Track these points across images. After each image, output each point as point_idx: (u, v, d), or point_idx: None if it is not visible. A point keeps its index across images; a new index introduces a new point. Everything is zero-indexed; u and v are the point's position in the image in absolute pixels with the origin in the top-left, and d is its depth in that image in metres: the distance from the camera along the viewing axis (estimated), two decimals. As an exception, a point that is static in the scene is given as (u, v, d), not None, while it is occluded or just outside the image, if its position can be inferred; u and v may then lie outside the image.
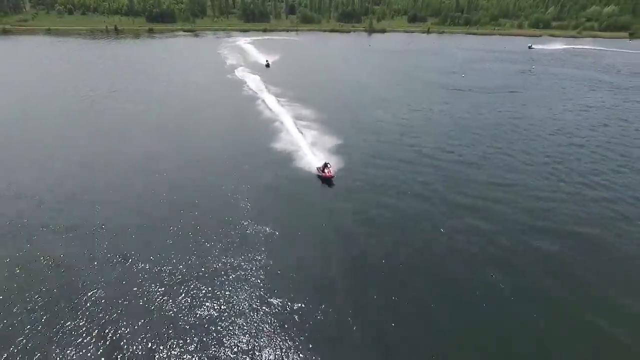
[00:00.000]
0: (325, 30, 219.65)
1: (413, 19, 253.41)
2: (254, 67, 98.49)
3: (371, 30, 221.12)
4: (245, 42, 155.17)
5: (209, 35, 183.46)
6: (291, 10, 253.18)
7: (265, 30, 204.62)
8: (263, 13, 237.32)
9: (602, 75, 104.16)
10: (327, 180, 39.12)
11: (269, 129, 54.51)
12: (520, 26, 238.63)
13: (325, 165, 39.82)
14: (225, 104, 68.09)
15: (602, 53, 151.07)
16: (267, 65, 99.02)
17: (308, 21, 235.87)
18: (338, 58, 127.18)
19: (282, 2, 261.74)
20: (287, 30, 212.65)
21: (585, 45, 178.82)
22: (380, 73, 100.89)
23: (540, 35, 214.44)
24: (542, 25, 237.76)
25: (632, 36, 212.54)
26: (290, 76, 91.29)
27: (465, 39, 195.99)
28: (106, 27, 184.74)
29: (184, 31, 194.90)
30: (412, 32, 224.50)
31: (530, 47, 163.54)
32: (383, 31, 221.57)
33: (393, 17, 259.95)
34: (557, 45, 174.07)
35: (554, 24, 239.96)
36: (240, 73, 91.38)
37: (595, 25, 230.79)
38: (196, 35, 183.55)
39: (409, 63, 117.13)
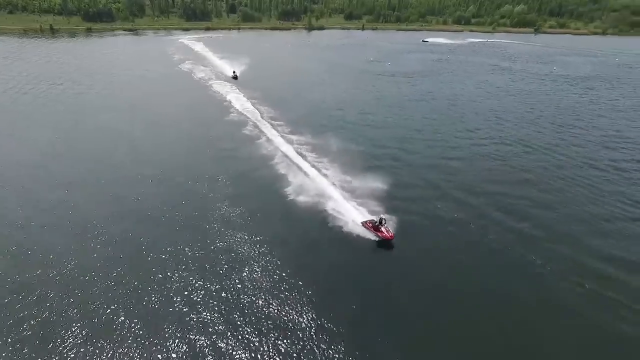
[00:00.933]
0: (266, 28, 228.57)
1: (349, 17, 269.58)
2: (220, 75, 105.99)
3: (310, 28, 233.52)
4: (191, 40, 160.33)
5: (153, 35, 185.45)
6: (232, 9, 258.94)
7: (207, 29, 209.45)
8: (204, 12, 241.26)
9: (502, 62, 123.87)
10: (383, 242, 30.29)
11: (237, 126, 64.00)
12: (444, 22, 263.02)
13: (381, 221, 30.78)
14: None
15: (508, 45, 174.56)
16: (235, 77, 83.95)
17: (249, 20, 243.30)
18: (283, 51, 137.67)
19: (223, 1, 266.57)
20: (230, 29, 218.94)
21: (493, 39, 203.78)
22: (320, 63, 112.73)
23: (462, 31, 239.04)
24: (463, 22, 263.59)
25: (536, 31, 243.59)
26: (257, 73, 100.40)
27: (395, 35, 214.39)
28: (40, 26, 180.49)
29: (124, 30, 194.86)
30: (349, 28, 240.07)
31: (423, 41, 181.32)
32: (321, 28, 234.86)
33: (331, 15, 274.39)
34: (443, 39, 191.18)
35: (473, 20, 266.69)
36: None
37: (508, 22, 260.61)
38: (137, 34, 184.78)
39: (345, 54, 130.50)
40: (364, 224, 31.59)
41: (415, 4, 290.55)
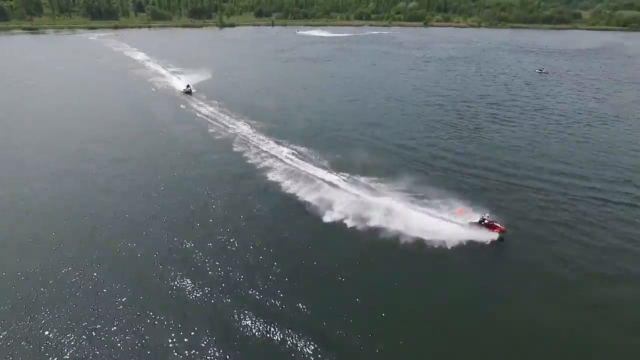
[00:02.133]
0: (178, 26, 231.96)
1: (259, 14, 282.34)
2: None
3: (222, 25, 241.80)
4: (104, 38, 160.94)
5: (55, 34, 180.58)
6: (139, 7, 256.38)
7: (116, 27, 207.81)
8: (110, 11, 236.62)
9: (391, 48, 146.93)
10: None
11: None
12: (347, 18, 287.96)
13: (483, 220, 30.52)
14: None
15: (398, 36, 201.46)
16: (189, 92, 71.82)
17: (159, 18, 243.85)
18: (201, 45, 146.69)
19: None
20: (140, 27, 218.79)
21: (385, 30, 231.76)
22: (235, 54, 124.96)
23: (363, 25, 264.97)
24: (364, 17, 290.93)
25: (425, 24, 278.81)
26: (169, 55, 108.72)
27: (303, 29, 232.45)
28: None
29: (23, 29, 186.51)
30: (259, 25, 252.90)
31: (296, 32, 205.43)
32: (233, 25, 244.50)
33: (241, 13, 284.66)
34: (318, 32, 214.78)
35: (373, 16, 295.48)
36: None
37: (402, 17, 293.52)
38: (38, 33, 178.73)
39: (258, 46, 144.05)
40: (474, 224, 30.39)
41: (321, 1, 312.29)
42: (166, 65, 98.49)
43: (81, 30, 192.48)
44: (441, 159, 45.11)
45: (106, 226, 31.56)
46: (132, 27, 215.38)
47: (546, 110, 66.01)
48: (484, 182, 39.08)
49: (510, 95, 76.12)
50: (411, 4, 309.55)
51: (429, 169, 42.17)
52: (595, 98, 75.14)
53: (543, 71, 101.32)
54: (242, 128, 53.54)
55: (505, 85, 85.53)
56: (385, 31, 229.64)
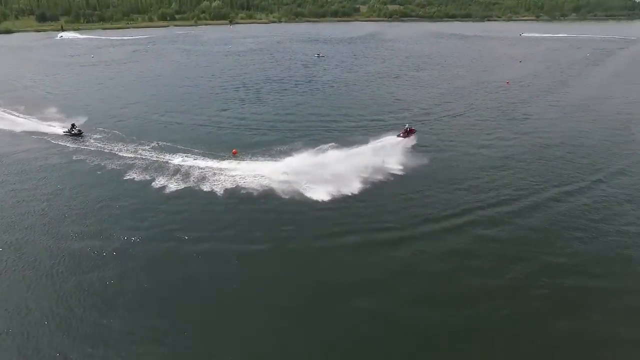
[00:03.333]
0: None
1: (42, 19, 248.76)
2: None
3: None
4: None
5: None
6: None
7: None
8: None
9: (195, 46, 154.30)
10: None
11: None
12: (150, 20, 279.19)
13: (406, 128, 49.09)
14: None
15: (204, 34, 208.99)
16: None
17: None
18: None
19: None
20: None
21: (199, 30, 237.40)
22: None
23: (168, 26, 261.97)
24: (169, 18, 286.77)
25: (231, 22, 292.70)
26: None
27: (102, 33, 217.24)
28: None
29: None
30: (46, 30, 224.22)
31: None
32: (9, 32, 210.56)
33: (17, 17, 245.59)
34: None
35: (177, 16, 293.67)
36: None
37: (207, 16, 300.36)
38: None
39: (48, 53, 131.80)
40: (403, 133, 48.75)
41: (117, 2, 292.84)
42: None
43: None
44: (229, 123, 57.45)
45: None
46: None
47: (314, 81, 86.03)
48: (262, 132, 52.53)
49: (290, 74, 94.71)
50: (215, 3, 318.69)
51: (226, 133, 53.36)
52: (349, 71, 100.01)
53: (320, 55, 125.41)
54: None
55: (288, 67, 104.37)
56: (192, 31, 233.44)
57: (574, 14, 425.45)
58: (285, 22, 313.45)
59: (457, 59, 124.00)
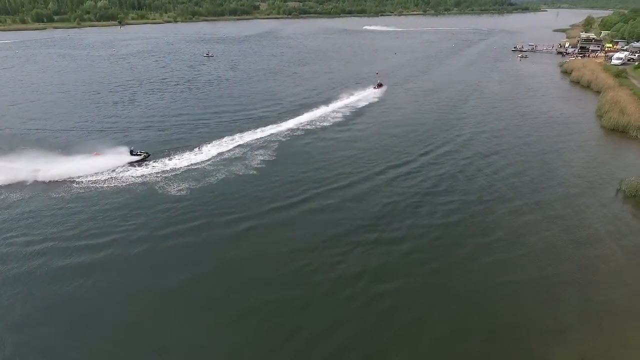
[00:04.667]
0: None
1: None
2: None
3: None
4: None
5: None
6: None
7: None
8: None
9: (74, 50, 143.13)
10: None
11: None
12: (23, 21, 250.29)
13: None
14: None
15: (88, 37, 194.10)
16: None
17: None
18: None
19: None
20: None
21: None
22: None
23: (45, 28, 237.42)
24: (45, 20, 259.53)
25: (120, 23, 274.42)
26: None
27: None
28: None
29: None
30: None
31: None
32: None
33: None
34: None
35: (56, 17, 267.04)
36: None
37: (93, 17, 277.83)
38: None
39: None
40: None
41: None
42: None
43: None
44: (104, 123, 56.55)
45: None
46: None
47: (195, 81, 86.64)
48: (128, 133, 52.54)
49: (173, 75, 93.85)
50: (100, 3, 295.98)
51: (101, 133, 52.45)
52: (234, 69, 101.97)
53: (209, 55, 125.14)
54: None
55: (172, 69, 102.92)
56: (74, 34, 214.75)
57: (455, 9, 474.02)
58: (182, 21, 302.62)
59: (342, 53, 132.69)
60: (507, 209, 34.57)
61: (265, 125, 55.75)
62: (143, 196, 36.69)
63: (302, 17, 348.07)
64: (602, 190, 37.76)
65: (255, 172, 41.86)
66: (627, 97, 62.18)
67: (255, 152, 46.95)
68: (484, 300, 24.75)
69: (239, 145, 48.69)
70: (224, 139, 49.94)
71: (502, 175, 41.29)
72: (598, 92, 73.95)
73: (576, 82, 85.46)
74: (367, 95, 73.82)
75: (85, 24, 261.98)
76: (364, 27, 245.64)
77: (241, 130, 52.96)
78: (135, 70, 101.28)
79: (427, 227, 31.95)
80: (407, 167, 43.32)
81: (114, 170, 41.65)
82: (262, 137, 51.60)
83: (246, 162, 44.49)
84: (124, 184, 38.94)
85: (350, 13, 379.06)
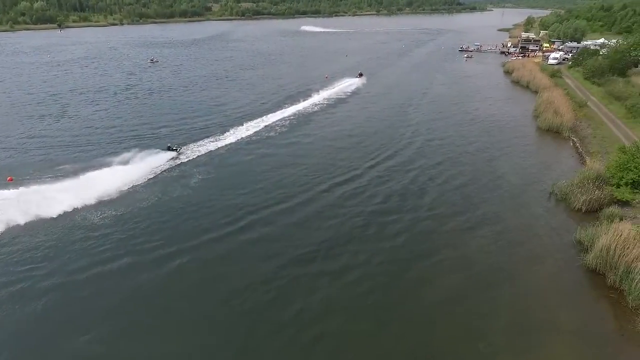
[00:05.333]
0: None
1: None
2: None
3: None
4: None
5: None
6: None
7: None
8: None
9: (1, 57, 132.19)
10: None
11: None
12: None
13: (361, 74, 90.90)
14: None
15: (22, 42, 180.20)
16: None
17: None
18: None
19: None
20: None
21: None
22: None
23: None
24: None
25: (60, 26, 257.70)
26: None
27: None
28: None
29: None
30: None
31: None
32: None
33: None
34: None
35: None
36: None
37: (28, 19, 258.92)
38: None
39: None
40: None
41: None
42: None
43: None
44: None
45: None
46: None
47: (136, 89, 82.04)
48: (53, 151, 48.11)
49: (112, 83, 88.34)
50: (37, 4, 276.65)
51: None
52: (178, 76, 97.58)
53: (154, 61, 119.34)
54: None
55: (112, 76, 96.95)
56: (6, 38, 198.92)
57: (407, 8, 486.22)
58: (128, 24, 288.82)
59: (292, 56, 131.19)
60: (456, 224, 33.93)
61: (206, 137, 53.17)
62: (59, 226, 33.22)
63: (255, 19, 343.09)
64: (538, 198, 38.36)
65: (191, 194, 39.26)
66: (561, 98, 64.98)
67: (194, 170, 44.34)
68: (434, 332, 23.70)
69: (178, 164, 45.88)
70: (159, 155, 46.86)
71: (451, 186, 40.69)
72: (536, 92, 77.07)
73: (517, 82, 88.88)
74: (316, 101, 72.80)
75: (20, 27, 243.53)
76: (301, 28, 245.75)
77: (179, 145, 50.01)
78: (71, 79, 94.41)
79: (374, 252, 30.43)
80: (354, 182, 41.77)
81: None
82: (202, 153, 49.05)
83: (183, 181, 41.89)
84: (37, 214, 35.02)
85: (304, 14, 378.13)
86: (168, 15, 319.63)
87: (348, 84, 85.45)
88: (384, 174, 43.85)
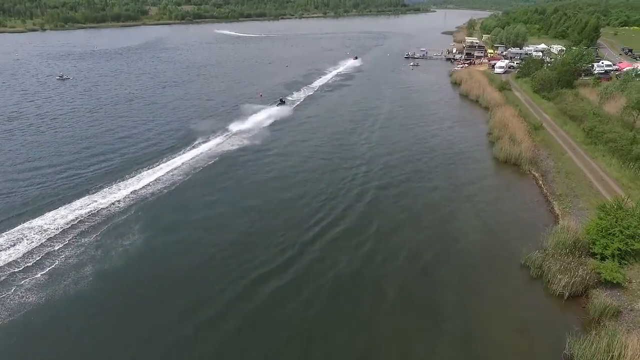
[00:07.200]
0: None
1: None
2: None
3: None
4: None
5: None
6: None
7: None
8: None
9: None
10: None
11: None
12: None
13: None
14: None
15: None
16: None
17: None
18: None
19: None
20: None
21: None
22: None
23: None
24: None
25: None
26: None
27: None
28: None
29: None
30: None
31: None
32: None
33: None
34: None
35: None
36: None
37: None
38: None
39: None
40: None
41: None
42: None
43: None
44: None
45: None
46: None
47: (21, 118, 66.98)
48: None
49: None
50: None
51: None
52: (89, 96, 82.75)
53: (63, 77, 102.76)
54: None
55: (1, 99, 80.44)
56: None
57: (354, 10, 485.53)
58: (52, 29, 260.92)
59: (227, 67, 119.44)
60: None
61: (97, 191, 41.15)
62: None
63: (197, 22, 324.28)
64: (508, 274, 30.13)
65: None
66: (514, 119, 59.19)
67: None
68: None
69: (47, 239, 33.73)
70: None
71: (413, 269, 31.23)
72: (487, 109, 71.60)
73: (465, 96, 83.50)
74: (245, 129, 61.78)
75: None
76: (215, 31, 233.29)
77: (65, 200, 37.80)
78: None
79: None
80: (284, 276, 29.78)
81: None
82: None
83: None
84: None
85: (249, 17, 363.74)
86: (99, 19, 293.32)
87: (281, 109, 73.33)
88: (326, 254, 32.58)
